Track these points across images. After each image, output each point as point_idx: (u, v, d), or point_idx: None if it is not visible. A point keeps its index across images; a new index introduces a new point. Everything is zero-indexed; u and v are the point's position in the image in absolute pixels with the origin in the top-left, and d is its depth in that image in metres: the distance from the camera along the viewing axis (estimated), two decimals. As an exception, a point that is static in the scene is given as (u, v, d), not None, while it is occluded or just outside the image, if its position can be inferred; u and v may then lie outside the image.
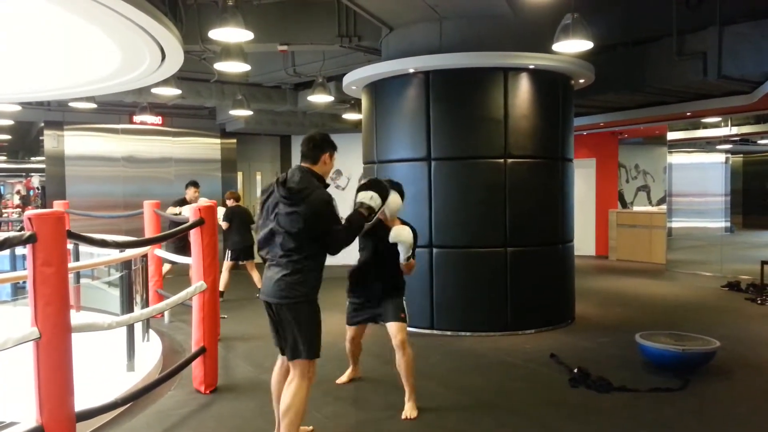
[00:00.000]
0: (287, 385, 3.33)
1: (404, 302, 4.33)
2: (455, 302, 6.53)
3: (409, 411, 4.16)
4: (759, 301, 7.95)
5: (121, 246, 4.49)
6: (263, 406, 4.29)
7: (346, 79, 7.21)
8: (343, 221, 3.36)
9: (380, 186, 3.66)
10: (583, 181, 12.72)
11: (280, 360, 3.55)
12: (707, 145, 11.27)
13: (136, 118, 11.05)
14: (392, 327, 4.21)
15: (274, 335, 3.42)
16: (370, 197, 3.51)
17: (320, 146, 3.40)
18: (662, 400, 4.40)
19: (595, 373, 4.85)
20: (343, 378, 4.88)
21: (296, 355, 3.29)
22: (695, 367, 4.99)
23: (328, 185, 3.44)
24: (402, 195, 4.27)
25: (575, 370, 4.88)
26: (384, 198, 3.61)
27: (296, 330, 3.26)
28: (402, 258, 4.14)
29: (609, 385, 4.64)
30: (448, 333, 6.46)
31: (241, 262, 8.61)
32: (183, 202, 8.29)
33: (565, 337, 6.35)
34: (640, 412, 4.20)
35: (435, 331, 6.52)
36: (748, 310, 7.57)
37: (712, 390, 4.63)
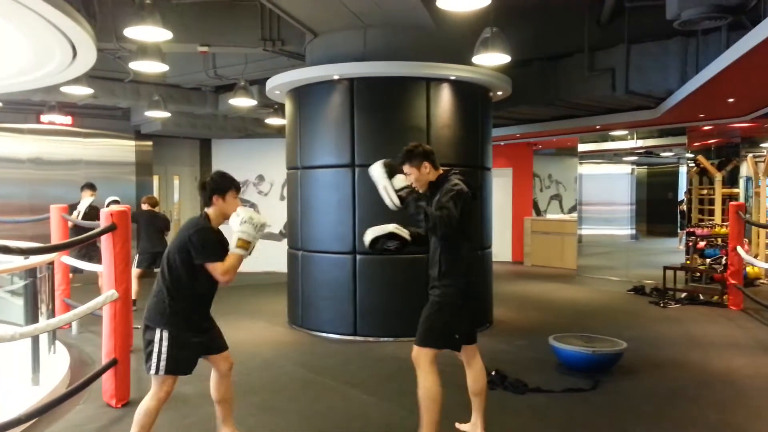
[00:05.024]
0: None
1: None
2: (378, 308, 6.56)
3: None
4: (662, 305, 8.43)
5: (26, 252, 4.23)
6: (178, 419, 4.17)
7: (270, 84, 7.12)
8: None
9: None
10: (501, 189, 13.12)
11: None
12: (615, 156, 11.92)
13: (44, 118, 10.43)
14: (224, 355, 3.62)
15: None
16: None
17: None
18: (575, 400, 4.60)
19: (512, 375, 5.01)
20: None
21: None
22: (605, 367, 5.24)
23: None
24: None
25: (493, 373, 4.99)
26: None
27: None
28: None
29: (525, 387, 4.80)
30: (371, 339, 6.48)
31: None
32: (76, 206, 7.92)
33: (483, 340, 6.42)
34: (554, 412, 4.37)
35: (358, 338, 6.52)
36: (651, 313, 8.01)
37: (621, 389, 4.88)
